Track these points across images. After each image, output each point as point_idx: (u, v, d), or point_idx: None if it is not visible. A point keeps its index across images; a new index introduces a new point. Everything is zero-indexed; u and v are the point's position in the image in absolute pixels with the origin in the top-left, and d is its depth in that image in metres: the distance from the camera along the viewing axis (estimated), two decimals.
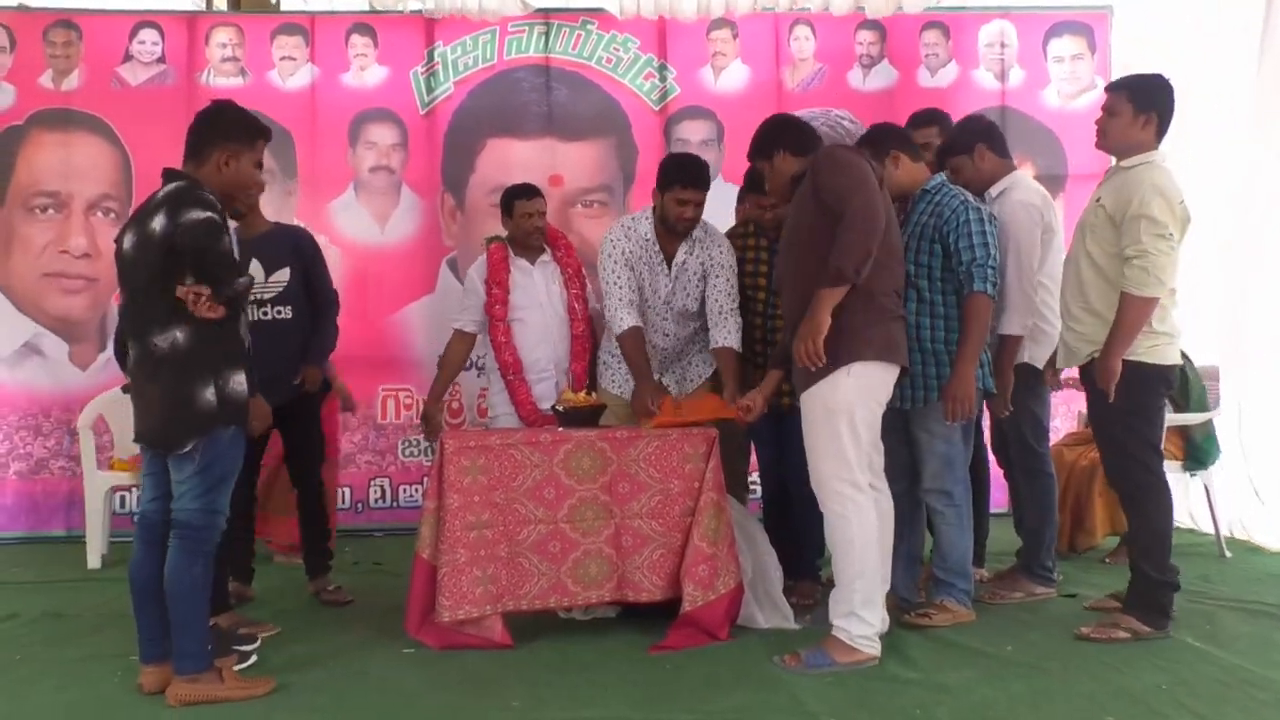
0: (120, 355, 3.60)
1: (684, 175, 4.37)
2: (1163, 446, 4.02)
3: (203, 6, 7.18)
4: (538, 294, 4.65)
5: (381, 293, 6.44)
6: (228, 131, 3.50)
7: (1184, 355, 4.31)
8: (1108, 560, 5.25)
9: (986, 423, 4.69)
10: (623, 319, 4.35)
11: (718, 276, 4.44)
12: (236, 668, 3.56)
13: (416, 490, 6.30)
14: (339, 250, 6.32)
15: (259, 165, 3.70)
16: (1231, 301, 5.99)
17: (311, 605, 4.63)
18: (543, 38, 6.63)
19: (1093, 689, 3.36)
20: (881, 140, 4.09)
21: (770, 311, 4.48)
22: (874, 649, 3.60)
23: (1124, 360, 3.77)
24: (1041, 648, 3.79)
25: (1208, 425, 5.41)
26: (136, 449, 5.40)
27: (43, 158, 6.41)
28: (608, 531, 3.95)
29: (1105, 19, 6.78)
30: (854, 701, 3.29)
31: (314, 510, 4.72)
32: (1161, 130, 3.90)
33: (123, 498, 6.25)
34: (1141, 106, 3.88)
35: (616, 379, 4.55)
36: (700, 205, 4.38)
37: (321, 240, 4.98)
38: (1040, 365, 4.42)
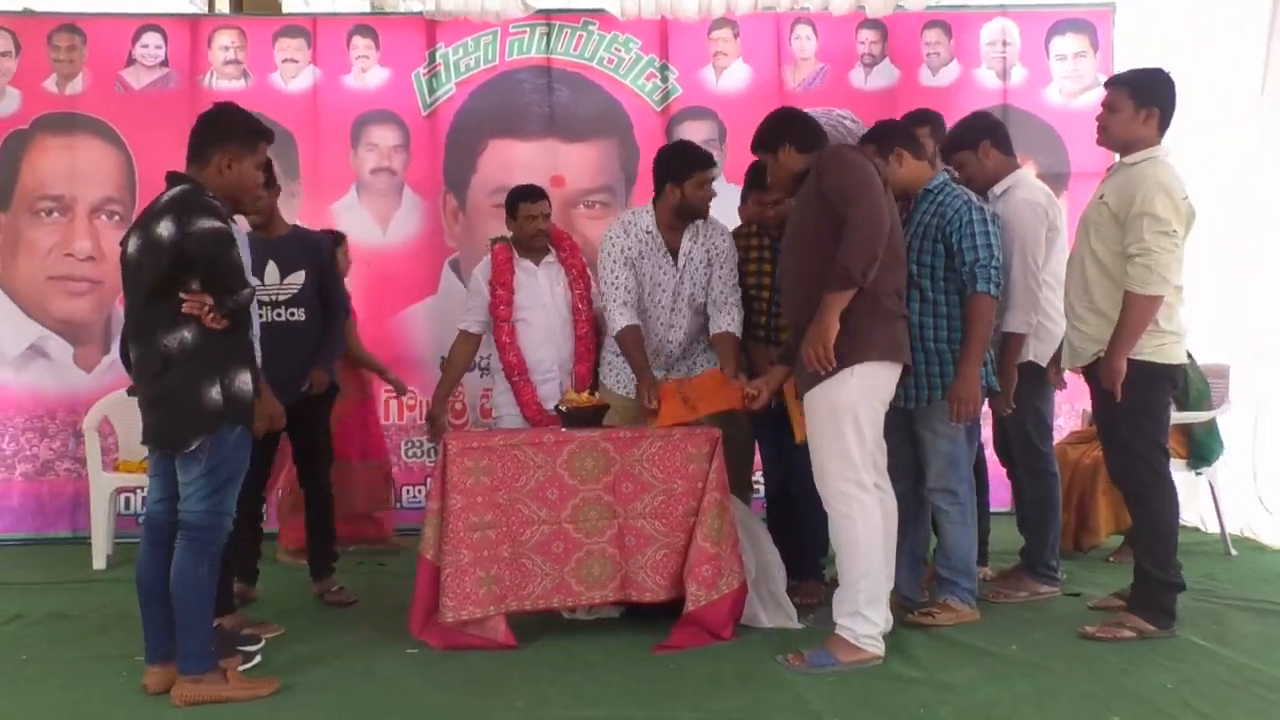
0: (125, 358, 3.61)
1: (701, 158, 4.44)
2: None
3: (205, 9, 7.20)
4: (542, 295, 4.65)
5: (384, 294, 6.44)
6: (229, 134, 3.50)
7: (1187, 354, 4.30)
8: (1112, 559, 5.25)
9: (987, 421, 4.68)
10: (620, 318, 4.35)
11: (722, 266, 4.46)
12: (241, 668, 3.57)
13: (420, 491, 6.31)
14: None
15: (262, 167, 3.71)
16: (1228, 300, 5.97)
17: (315, 606, 4.64)
18: (544, 39, 6.63)
19: (1098, 688, 3.36)
20: (885, 137, 4.09)
21: (774, 310, 4.48)
22: (878, 648, 3.59)
23: (1130, 359, 3.76)
24: (1046, 647, 3.79)
25: (1210, 422, 5.40)
26: (142, 451, 5.46)
27: (47, 161, 6.42)
28: (611, 531, 3.95)
29: (1108, 16, 6.76)
30: (858, 701, 3.29)
31: (320, 512, 4.73)
32: (1164, 125, 3.89)
33: (128, 499, 6.26)
34: (1142, 101, 3.87)
35: (621, 379, 4.55)
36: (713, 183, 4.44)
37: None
38: (1045, 363, 4.41)
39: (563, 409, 4.20)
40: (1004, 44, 6.77)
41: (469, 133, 6.60)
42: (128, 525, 6.06)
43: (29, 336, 6.35)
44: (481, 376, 5.97)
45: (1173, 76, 3.94)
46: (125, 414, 5.60)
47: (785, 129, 3.91)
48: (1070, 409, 6.25)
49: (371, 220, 6.53)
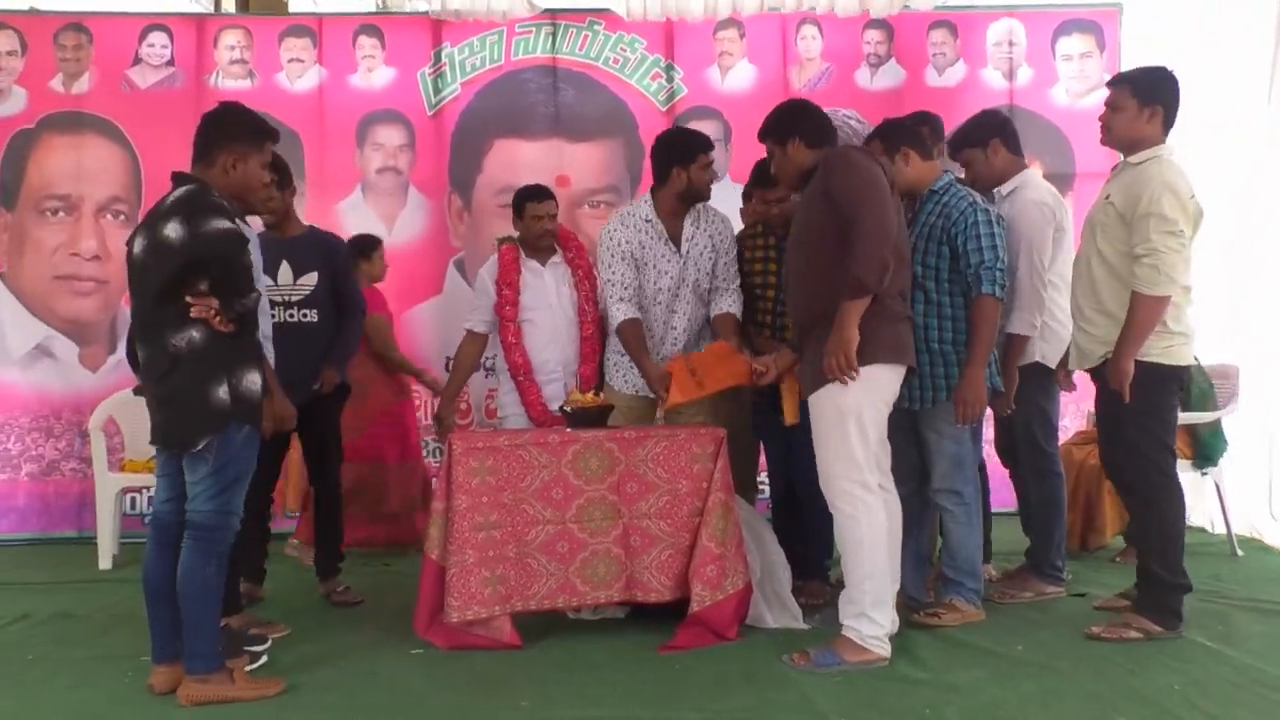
0: (132, 357, 3.61)
1: (703, 140, 4.47)
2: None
3: (211, 9, 7.20)
4: (548, 295, 4.65)
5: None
6: (234, 133, 3.50)
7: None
8: (1118, 560, 5.24)
9: (989, 421, 4.67)
10: (619, 312, 4.36)
11: (726, 254, 4.50)
12: (247, 668, 3.57)
13: None
14: None
15: (269, 167, 3.71)
16: (1234, 301, 5.96)
17: (321, 606, 4.64)
18: (549, 38, 6.63)
19: (1104, 689, 3.35)
20: (894, 136, 4.08)
21: (779, 309, 4.48)
22: (884, 649, 3.59)
23: (1138, 361, 3.75)
24: (1052, 647, 3.78)
25: (1214, 422, 5.39)
26: (148, 451, 5.47)
27: (54, 161, 6.43)
28: (616, 532, 3.95)
29: (1115, 17, 6.75)
30: (864, 701, 3.28)
31: (328, 512, 4.74)
32: (1168, 123, 3.88)
33: (133, 499, 6.27)
34: (1145, 100, 3.86)
35: (629, 379, 4.53)
36: None
37: None
38: (1051, 364, 4.40)
39: (568, 409, 4.20)
40: (1010, 44, 6.76)
41: (474, 132, 6.61)
42: (133, 525, 6.08)
43: (35, 336, 6.36)
44: (487, 377, 5.96)
45: (1176, 75, 3.93)
46: (130, 414, 5.62)
47: (796, 122, 3.88)
48: (1076, 409, 6.24)
49: (377, 220, 6.53)
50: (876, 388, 3.60)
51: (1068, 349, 4.25)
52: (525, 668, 3.66)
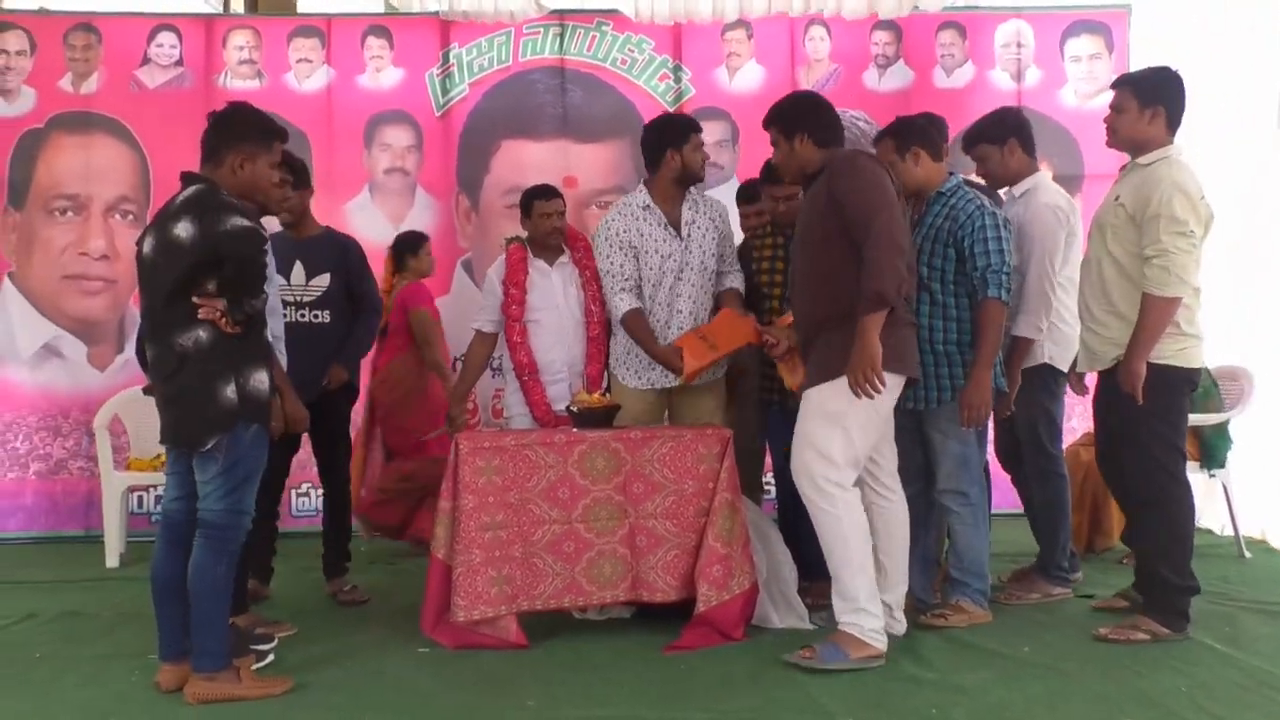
0: (142, 356, 3.62)
1: (694, 123, 4.54)
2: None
3: (220, 9, 7.22)
4: (555, 296, 4.64)
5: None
6: (242, 133, 3.51)
7: None
8: (1125, 561, 5.20)
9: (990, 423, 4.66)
10: (623, 303, 4.36)
11: (726, 239, 4.57)
12: (254, 667, 3.58)
13: None
14: None
15: (279, 166, 3.71)
16: (1239, 303, 5.95)
17: (328, 605, 4.65)
18: (557, 39, 6.64)
19: (1110, 690, 3.35)
20: (904, 134, 4.08)
21: (786, 308, 4.47)
22: (883, 643, 3.59)
23: (1151, 363, 3.74)
24: (1059, 649, 3.78)
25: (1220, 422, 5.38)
26: (154, 449, 5.49)
27: (62, 160, 6.45)
28: (622, 532, 3.95)
29: (1123, 18, 6.74)
30: (870, 702, 3.28)
31: (336, 511, 4.75)
32: (1172, 123, 3.88)
33: (140, 498, 6.29)
34: (1147, 100, 3.86)
35: (641, 372, 4.49)
36: None
37: None
38: (1061, 366, 4.40)
39: (574, 410, 4.20)
40: (1018, 45, 6.75)
41: (482, 133, 6.62)
42: (140, 524, 6.10)
43: (43, 335, 6.38)
44: (494, 376, 5.97)
45: (1180, 75, 3.93)
46: (136, 413, 5.65)
47: (805, 116, 3.84)
48: (1084, 411, 6.21)
49: (384, 220, 6.54)
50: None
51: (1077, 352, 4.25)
52: (531, 667, 3.67)
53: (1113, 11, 6.76)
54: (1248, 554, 5.35)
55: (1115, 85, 4.03)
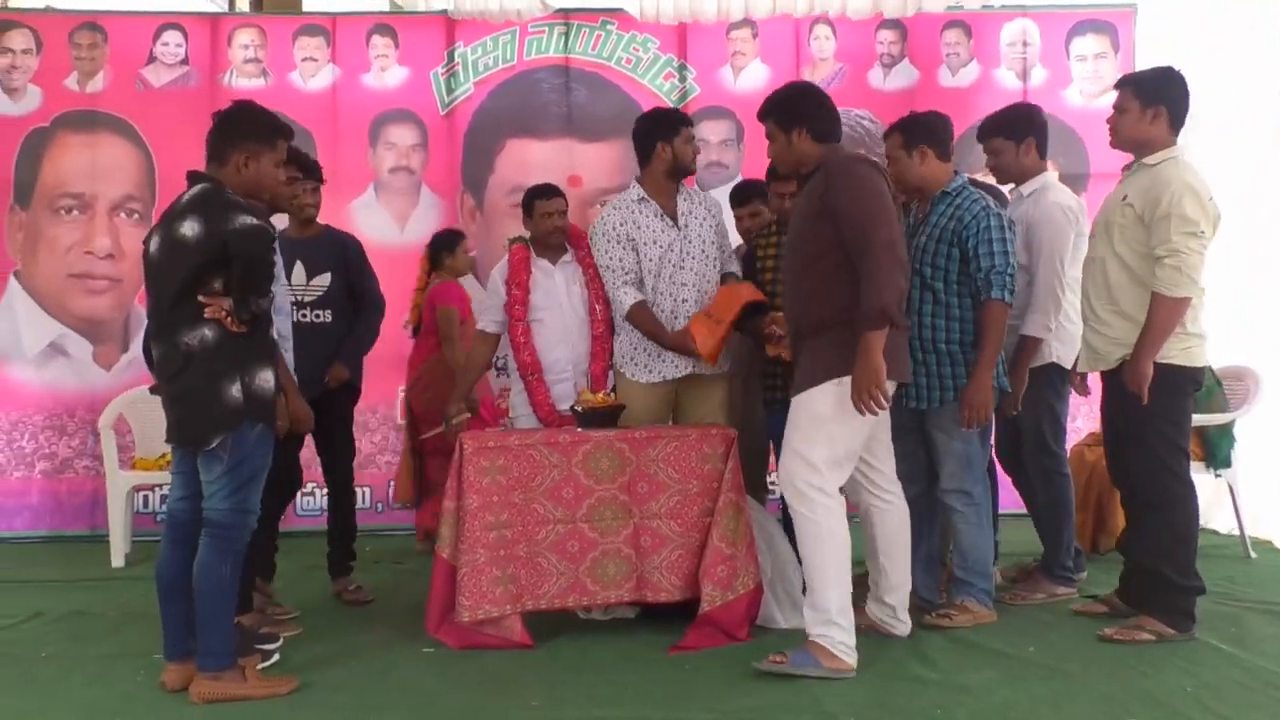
0: (149, 355, 3.62)
1: (684, 116, 4.62)
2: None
3: (225, 8, 7.23)
4: (558, 295, 4.64)
5: (401, 293, 6.40)
6: (246, 132, 3.50)
7: None
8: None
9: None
10: (627, 296, 4.36)
11: (721, 233, 4.58)
12: (259, 666, 3.58)
13: None
14: None
15: (286, 165, 3.71)
16: (1239, 302, 5.94)
17: (333, 605, 4.66)
18: (562, 38, 6.64)
19: (1115, 691, 3.34)
20: (915, 131, 4.07)
21: None
22: (853, 659, 3.50)
23: (1156, 363, 3.74)
24: (1063, 649, 3.77)
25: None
26: (159, 449, 5.51)
27: (68, 159, 6.46)
28: (626, 531, 3.95)
29: (1129, 17, 6.73)
30: (874, 702, 3.28)
31: (341, 509, 4.75)
32: (1174, 123, 3.87)
33: (145, 497, 6.30)
34: (1148, 101, 3.86)
35: (650, 365, 4.48)
36: None
37: None
38: (1066, 365, 4.39)
39: (578, 409, 4.20)
40: (1024, 45, 6.75)
41: (487, 132, 6.62)
42: (145, 523, 6.11)
43: (49, 334, 6.39)
44: (498, 376, 5.98)
45: (1183, 75, 3.92)
46: (141, 412, 5.66)
47: (803, 110, 3.74)
48: (1089, 410, 6.21)
49: (389, 219, 6.56)
50: None
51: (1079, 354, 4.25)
52: (536, 667, 3.67)
53: (1119, 11, 6.76)
54: (1253, 554, 5.34)
55: (1118, 86, 4.03)
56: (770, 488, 5.14)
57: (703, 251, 4.46)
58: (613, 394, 4.44)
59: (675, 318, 4.40)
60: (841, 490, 3.64)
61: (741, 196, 4.90)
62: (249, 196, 3.49)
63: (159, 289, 3.41)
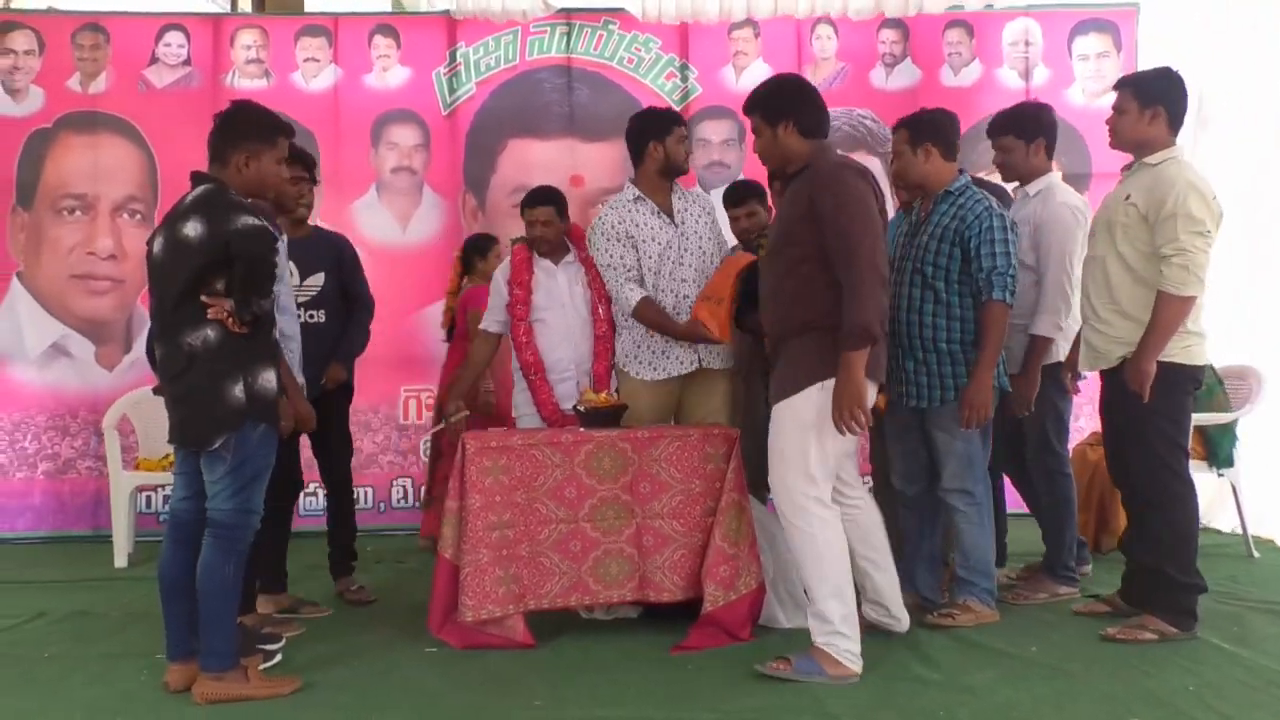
0: (152, 356, 3.62)
1: (677, 116, 4.66)
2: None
3: (227, 9, 7.24)
4: (561, 294, 4.64)
5: (403, 293, 6.45)
6: (246, 131, 3.50)
7: None
8: None
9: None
10: (632, 294, 4.36)
11: (716, 230, 4.59)
12: (262, 667, 3.58)
13: None
14: (361, 251, 6.30)
15: (283, 162, 3.69)
16: (1239, 301, 5.94)
17: (335, 605, 4.65)
18: (564, 38, 6.64)
19: (1118, 690, 3.34)
20: (919, 128, 4.06)
21: None
22: (858, 665, 3.49)
23: (1158, 361, 3.74)
24: (1066, 649, 3.77)
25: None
26: (162, 449, 5.51)
27: (70, 160, 6.47)
28: (629, 531, 3.95)
29: (1132, 16, 6.73)
30: (877, 702, 3.28)
31: (340, 509, 4.75)
32: (1173, 123, 3.87)
33: (148, 497, 6.30)
34: (1146, 101, 3.86)
35: (654, 362, 4.47)
36: None
37: None
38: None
39: (581, 409, 4.20)
40: (1026, 44, 6.75)
41: (489, 132, 6.63)
42: (148, 523, 6.12)
43: (51, 335, 6.40)
44: None
45: (1181, 76, 3.93)
46: (144, 412, 5.66)
47: (789, 103, 3.68)
48: (1092, 410, 6.20)
49: (391, 219, 6.56)
50: None
51: (1072, 351, 4.25)
52: (538, 667, 3.67)
53: (1121, 10, 6.75)
54: (1256, 554, 5.34)
55: (1116, 87, 4.04)
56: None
57: (700, 247, 4.47)
58: (615, 394, 4.44)
59: (678, 314, 4.40)
60: None
61: (737, 197, 4.88)
62: (252, 196, 3.50)
63: (162, 290, 3.41)
